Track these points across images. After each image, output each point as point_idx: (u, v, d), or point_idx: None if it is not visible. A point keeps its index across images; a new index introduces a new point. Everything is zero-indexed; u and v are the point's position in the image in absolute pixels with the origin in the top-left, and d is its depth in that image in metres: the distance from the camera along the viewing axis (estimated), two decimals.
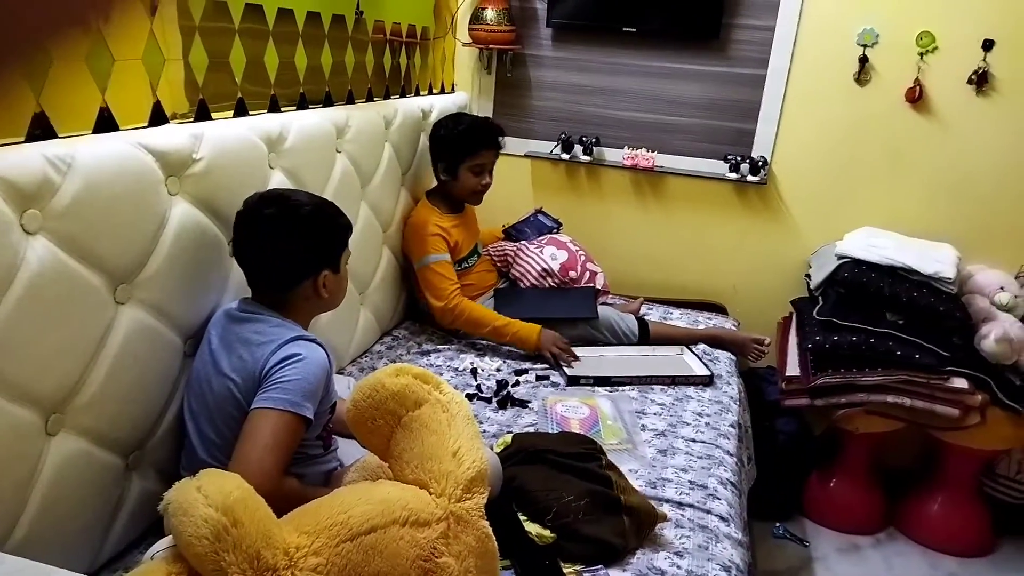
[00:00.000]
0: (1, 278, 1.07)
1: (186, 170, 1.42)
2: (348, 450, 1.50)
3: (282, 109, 1.90)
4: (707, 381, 2.22)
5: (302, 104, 1.99)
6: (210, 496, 0.94)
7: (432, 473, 1.12)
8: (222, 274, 1.54)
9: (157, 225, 1.35)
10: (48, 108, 1.24)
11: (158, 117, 1.49)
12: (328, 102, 2.12)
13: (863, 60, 2.59)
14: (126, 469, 1.35)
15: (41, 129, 1.23)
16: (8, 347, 1.08)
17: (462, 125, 2.41)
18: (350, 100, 2.24)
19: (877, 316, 2.31)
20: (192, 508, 0.93)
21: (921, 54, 2.53)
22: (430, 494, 1.11)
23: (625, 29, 2.76)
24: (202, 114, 1.63)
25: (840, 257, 2.42)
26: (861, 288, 2.32)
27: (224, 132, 1.55)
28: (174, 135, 1.41)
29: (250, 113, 1.77)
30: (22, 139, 1.20)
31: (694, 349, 2.41)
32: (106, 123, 1.37)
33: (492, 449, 1.62)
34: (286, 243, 1.39)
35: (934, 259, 2.36)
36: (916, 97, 2.55)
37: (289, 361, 1.30)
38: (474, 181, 2.39)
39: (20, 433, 1.12)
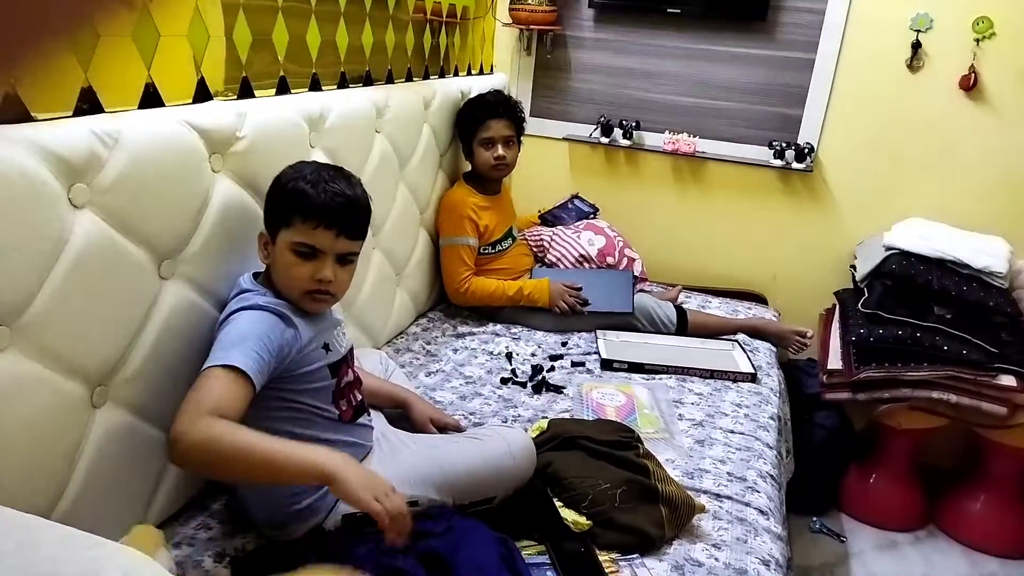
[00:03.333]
0: (49, 251, 1.08)
1: (230, 148, 1.42)
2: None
3: (323, 88, 1.89)
4: (750, 379, 2.16)
5: (342, 83, 1.99)
6: None
7: None
8: None
9: (201, 202, 1.36)
10: (95, 83, 1.24)
11: (202, 94, 1.50)
12: (368, 81, 2.11)
13: (916, 46, 2.51)
14: (167, 443, 1.36)
15: (88, 104, 1.24)
16: (56, 320, 1.09)
17: (468, 103, 2.42)
18: (389, 80, 2.22)
19: (924, 310, 2.24)
20: None
21: (977, 40, 2.45)
22: None
23: (669, 10, 2.70)
24: (245, 92, 1.62)
25: (888, 248, 2.35)
26: (909, 280, 2.26)
27: (267, 110, 1.55)
28: (218, 112, 1.41)
29: (291, 91, 1.77)
30: (70, 113, 1.21)
31: (745, 346, 2.34)
32: (151, 99, 1.37)
33: (527, 432, 1.61)
34: None
35: (985, 252, 2.29)
36: (971, 85, 2.47)
37: (221, 327, 1.27)
38: (486, 155, 2.36)
39: (67, 405, 1.14)
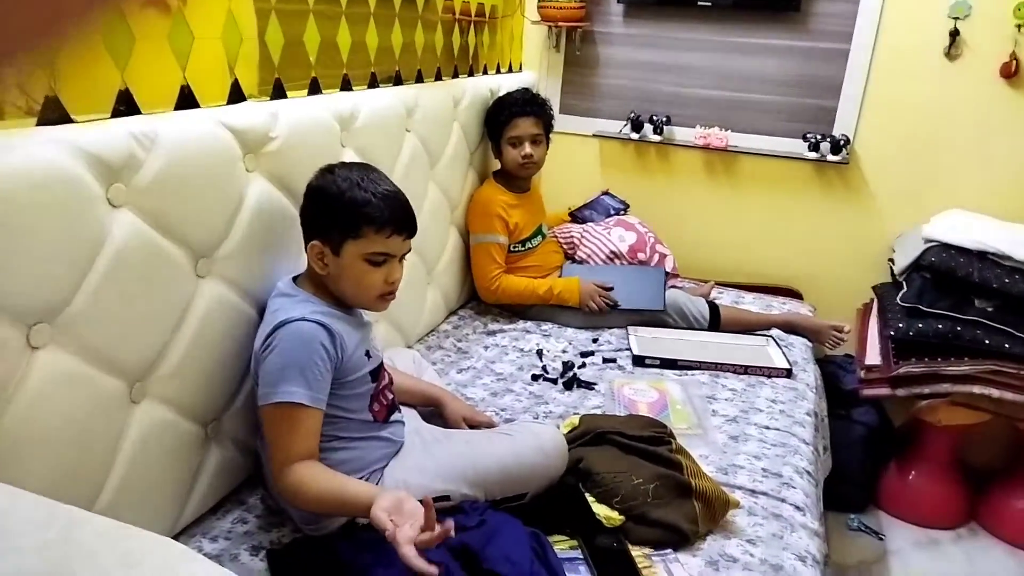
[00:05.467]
0: (89, 250, 1.10)
1: (263, 148, 1.44)
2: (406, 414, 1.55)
3: (353, 88, 1.91)
4: (785, 374, 2.13)
5: (373, 83, 2.00)
6: None
7: None
8: (297, 251, 1.56)
9: (236, 201, 1.38)
10: (132, 85, 1.27)
11: (236, 95, 1.52)
12: (398, 81, 2.12)
13: (954, 33, 2.46)
14: (205, 438, 1.39)
15: (126, 106, 1.27)
16: (95, 317, 1.12)
17: (496, 102, 2.42)
18: (419, 80, 2.24)
19: (965, 303, 2.19)
20: None
21: (1019, 26, 2.39)
22: None
23: (700, 3, 2.68)
24: (277, 93, 1.65)
25: (927, 241, 2.30)
26: (949, 273, 2.21)
27: (299, 111, 1.56)
28: (252, 113, 1.43)
29: (323, 92, 1.79)
30: (108, 115, 1.24)
31: (780, 341, 2.31)
32: (187, 101, 1.39)
33: (559, 429, 1.60)
34: (302, 205, 1.42)
35: None
36: (1012, 72, 2.41)
37: (267, 350, 1.29)
38: (514, 154, 2.36)
39: (107, 400, 1.16)
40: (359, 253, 1.35)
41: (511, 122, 2.35)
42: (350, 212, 1.34)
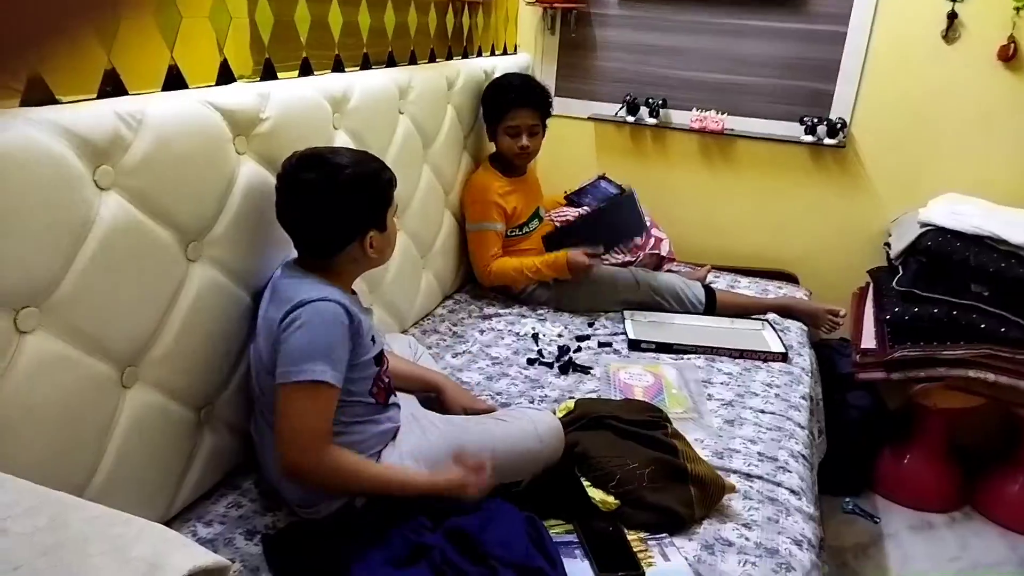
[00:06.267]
0: (76, 233, 1.08)
1: (253, 129, 1.42)
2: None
3: (346, 70, 1.88)
4: (781, 358, 2.13)
5: (365, 65, 1.98)
6: None
7: None
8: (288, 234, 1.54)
9: (226, 183, 1.36)
10: (119, 65, 1.24)
11: (226, 76, 1.49)
12: (391, 63, 2.10)
13: (952, 16, 2.44)
14: (198, 423, 1.37)
15: (112, 86, 1.24)
16: (84, 301, 1.10)
17: (495, 87, 2.38)
18: (412, 61, 2.21)
19: (961, 287, 2.19)
20: None
21: (1017, 9, 2.37)
22: None
23: None
24: (268, 74, 1.62)
25: (923, 225, 2.29)
26: (945, 257, 2.20)
27: (290, 92, 1.54)
28: (242, 94, 1.41)
29: (315, 73, 1.76)
30: (94, 96, 1.21)
31: (775, 325, 2.31)
32: (175, 81, 1.37)
33: (554, 414, 1.60)
34: (328, 211, 1.34)
35: None
36: (1010, 55, 2.40)
37: (290, 328, 1.27)
38: (510, 143, 2.34)
39: (97, 385, 1.15)
40: (391, 216, 1.43)
41: (509, 112, 2.32)
42: (383, 187, 1.40)
